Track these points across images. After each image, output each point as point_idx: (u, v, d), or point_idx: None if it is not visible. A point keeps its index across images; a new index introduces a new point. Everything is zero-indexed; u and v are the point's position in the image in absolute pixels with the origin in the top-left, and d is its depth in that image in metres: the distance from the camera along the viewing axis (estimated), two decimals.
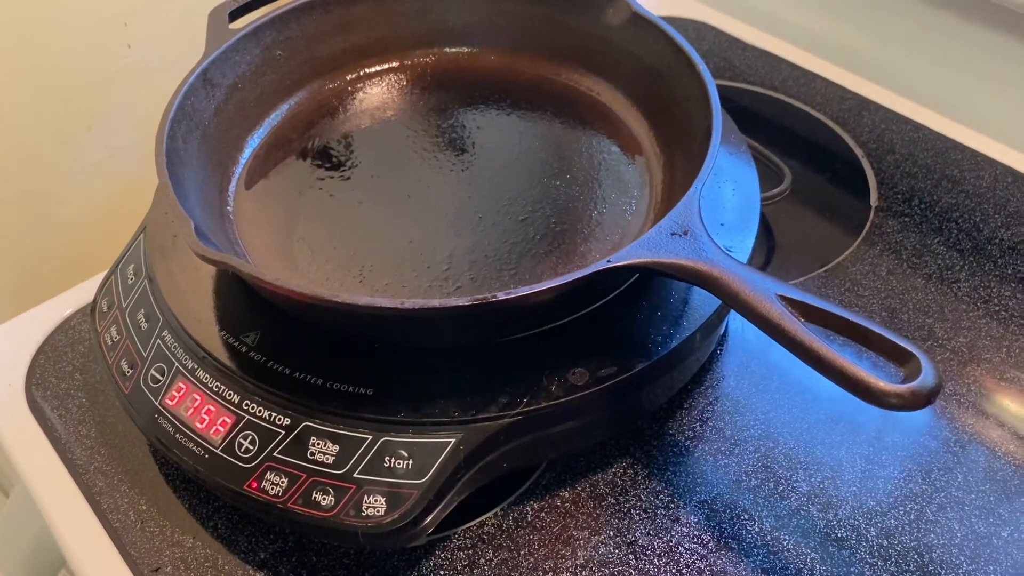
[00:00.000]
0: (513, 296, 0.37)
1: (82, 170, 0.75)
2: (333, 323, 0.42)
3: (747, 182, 0.50)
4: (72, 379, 0.51)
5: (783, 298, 0.36)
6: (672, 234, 0.39)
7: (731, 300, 0.37)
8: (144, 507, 0.45)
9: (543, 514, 0.44)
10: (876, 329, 0.35)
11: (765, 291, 0.36)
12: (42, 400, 0.50)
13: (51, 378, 0.51)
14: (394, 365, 0.42)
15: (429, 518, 0.39)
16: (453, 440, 0.39)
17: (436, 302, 0.37)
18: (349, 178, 0.51)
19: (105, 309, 0.47)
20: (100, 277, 0.57)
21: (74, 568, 0.43)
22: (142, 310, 0.46)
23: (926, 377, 0.33)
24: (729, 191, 0.49)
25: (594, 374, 0.41)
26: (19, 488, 0.57)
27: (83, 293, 0.56)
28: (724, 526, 0.43)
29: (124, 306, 0.46)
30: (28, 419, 0.49)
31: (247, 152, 0.52)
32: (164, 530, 0.44)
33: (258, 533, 0.44)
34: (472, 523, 0.44)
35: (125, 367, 0.45)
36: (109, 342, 0.46)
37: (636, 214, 0.48)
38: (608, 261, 0.38)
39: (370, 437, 0.40)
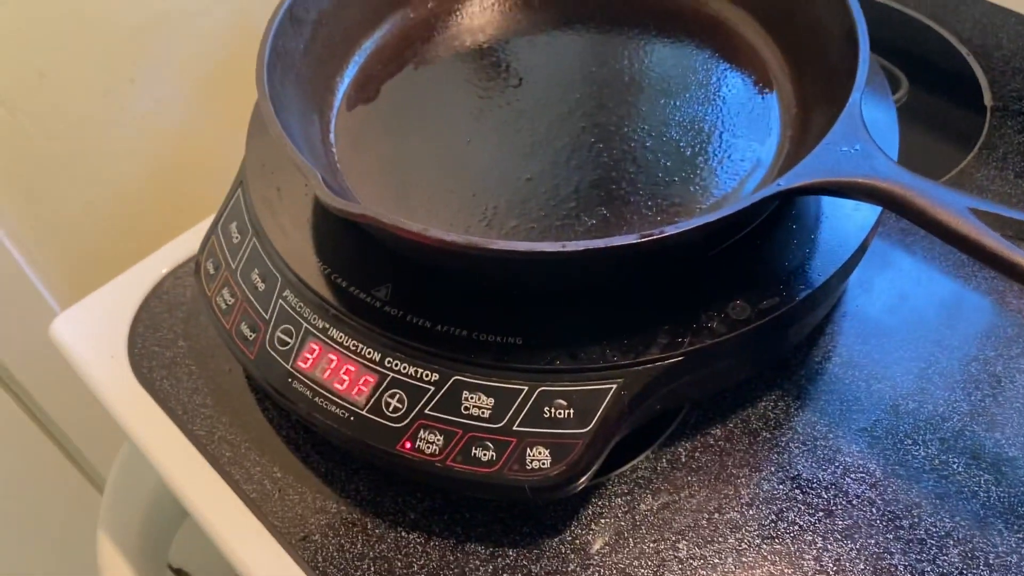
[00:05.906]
0: (685, 229, 0.34)
1: (129, 124, 0.71)
2: (475, 271, 0.40)
3: (879, 90, 0.47)
4: (176, 346, 0.49)
5: (975, 211, 0.34)
6: (841, 150, 0.36)
7: (918, 218, 0.34)
8: (279, 475, 0.43)
9: (697, 454, 0.42)
10: None
11: (956, 205, 0.34)
12: (149, 371, 0.48)
13: (154, 347, 0.49)
14: (541, 311, 0.39)
15: (595, 466, 0.37)
16: (615, 386, 0.37)
17: (601, 242, 0.34)
18: (450, 115, 0.48)
19: (212, 271, 0.45)
20: (183, 237, 0.54)
21: (219, 544, 0.41)
22: (256, 270, 0.43)
23: None
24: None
25: (756, 306, 0.39)
26: (118, 467, 0.55)
27: (175, 252, 0.53)
28: (888, 453, 0.42)
29: (234, 266, 0.44)
30: (140, 392, 0.47)
31: (339, 95, 0.48)
32: (304, 497, 0.43)
33: (404, 493, 0.42)
34: (624, 468, 0.42)
35: (246, 331, 0.42)
36: (223, 306, 0.43)
37: (771, 132, 0.45)
38: (778, 184, 0.35)
39: (526, 388, 0.37)
